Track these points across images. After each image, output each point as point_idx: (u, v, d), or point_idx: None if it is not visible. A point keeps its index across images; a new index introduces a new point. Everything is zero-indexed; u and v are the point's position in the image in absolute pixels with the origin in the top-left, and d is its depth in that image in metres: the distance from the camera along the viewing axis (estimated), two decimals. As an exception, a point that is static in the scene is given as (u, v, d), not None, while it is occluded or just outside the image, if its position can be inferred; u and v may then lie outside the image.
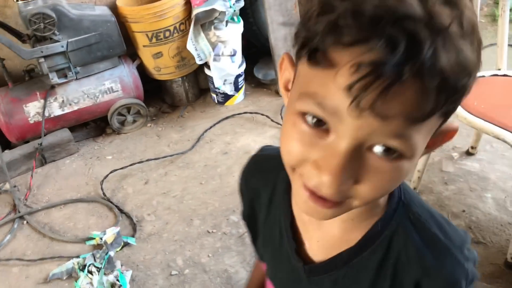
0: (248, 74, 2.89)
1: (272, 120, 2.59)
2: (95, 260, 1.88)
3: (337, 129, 0.45)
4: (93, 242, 1.98)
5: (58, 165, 2.50)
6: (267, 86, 2.90)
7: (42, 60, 2.29)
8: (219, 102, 2.77)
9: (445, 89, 0.43)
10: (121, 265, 1.87)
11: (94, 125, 2.69)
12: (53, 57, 2.32)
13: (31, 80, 2.48)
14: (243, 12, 2.64)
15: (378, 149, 0.46)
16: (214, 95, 2.77)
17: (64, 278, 1.85)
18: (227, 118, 2.66)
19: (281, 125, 2.52)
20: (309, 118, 0.47)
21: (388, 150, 0.46)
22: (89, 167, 2.46)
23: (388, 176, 0.48)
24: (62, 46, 2.31)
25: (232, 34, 2.54)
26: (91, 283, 1.80)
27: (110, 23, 2.40)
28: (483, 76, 1.91)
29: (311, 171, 0.48)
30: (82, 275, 1.83)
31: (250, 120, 2.65)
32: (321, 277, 0.65)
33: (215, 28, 2.49)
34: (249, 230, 0.80)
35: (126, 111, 2.61)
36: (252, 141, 2.48)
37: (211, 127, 2.60)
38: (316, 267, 0.65)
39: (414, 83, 0.41)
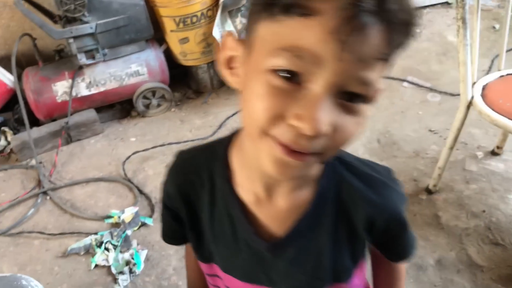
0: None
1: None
2: (112, 237, 1.93)
3: (314, 77, 0.48)
4: (111, 220, 2.03)
5: (82, 144, 2.56)
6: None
7: (71, 40, 2.34)
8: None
9: (405, 30, 0.50)
10: (137, 244, 1.91)
11: (120, 107, 2.74)
12: (82, 38, 2.37)
13: (60, 60, 2.55)
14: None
15: (350, 97, 0.50)
16: (239, 83, 2.78)
17: (82, 253, 1.90)
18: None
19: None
20: (282, 74, 0.49)
21: (353, 96, 0.50)
22: (112, 147, 2.51)
23: (356, 122, 0.52)
24: (91, 28, 2.35)
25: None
26: (107, 260, 1.84)
27: (139, 7, 2.43)
28: (510, 74, 1.86)
29: (287, 126, 0.49)
30: (98, 251, 1.87)
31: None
32: (286, 250, 0.67)
33: (242, 15, 2.49)
34: (192, 237, 0.75)
35: (151, 94, 2.64)
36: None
37: (233, 115, 2.61)
38: (279, 242, 0.67)
39: (386, 25, 0.47)
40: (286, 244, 0.67)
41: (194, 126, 2.61)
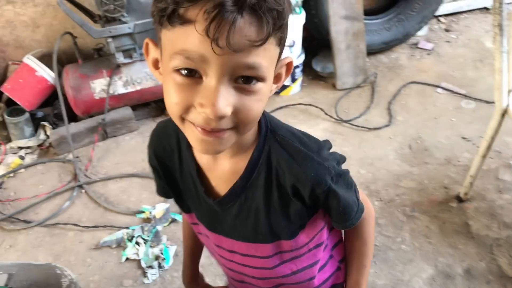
0: (306, 66, 2.90)
1: (325, 113, 2.59)
2: (143, 232, 1.98)
3: (207, 72, 0.58)
4: (143, 215, 2.08)
5: (118, 140, 2.63)
6: (324, 79, 2.90)
7: (110, 40, 2.41)
8: (275, 92, 2.79)
9: (271, 16, 0.57)
10: (167, 240, 1.96)
11: (155, 105, 2.79)
12: (120, 38, 2.44)
13: (99, 58, 2.62)
14: (305, 4, 2.65)
15: (240, 80, 0.60)
16: (271, 84, 2.80)
17: (114, 246, 1.96)
18: (281, 108, 2.69)
19: (335, 118, 2.53)
20: (183, 72, 0.60)
21: (248, 79, 0.60)
22: (146, 144, 2.57)
23: (255, 99, 0.62)
24: (129, 28, 2.41)
25: (292, 25, 2.55)
26: (137, 254, 1.90)
27: (176, 8, 2.48)
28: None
29: (197, 113, 0.61)
30: (129, 245, 1.93)
31: (304, 111, 2.66)
32: (230, 205, 0.80)
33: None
34: (172, 192, 0.90)
35: (185, 94, 2.69)
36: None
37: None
38: (223, 199, 0.80)
39: (250, 16, 0.56)
40: (228, 201, 0.80)
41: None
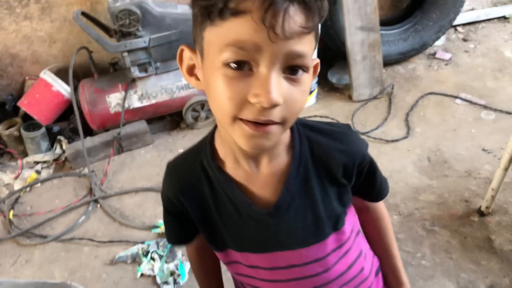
0: (322, 78, 2.88)
1: (342, 125, 2.56)
2: (158, 247, 1.96)
3: (259, 61, 0.59)
4: (158, 230, 2.07)
5: (133, 154, 2.63)
6: (340, 91, 2.87)
7: (125, 54, 2.42)
8: (290, 104, 2.78)
9: (317, 5, 0.60)
10: (182, 255, 1.94)
11: (170, 119, 2.80)
12: (136, 52, 2.45)
13: (114, 72, 2.64)
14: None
15: (292, 70, 0.61)
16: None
17: (129, 262, 1.95)
18: (297, 120, 2.67)
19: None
20: (232, 65, 0.60)
21: (294, 70, 0.62)
22: (161, 158, 2.57)
23: (301, 90, 0.63)
24: (145, 42, 2.42)
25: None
26: (152, 269, 1.88)
27: (190, 22, 2.48)
28: None
29: (251, 105, 0.60)
30: (145, 260, 1.91)
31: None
32: (285, 210, 0.76)
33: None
34: (204, 230, 0.84)
35: (200, 107, 2.69)
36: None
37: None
38: (276, 206, 0.76)
39: (300, 4, 0.58)
40: (283, 205, 0.76)
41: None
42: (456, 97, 2.70)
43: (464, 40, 3.23)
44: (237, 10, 0.57)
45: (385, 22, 2.95)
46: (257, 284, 0.86)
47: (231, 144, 0.73)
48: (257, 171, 0.76)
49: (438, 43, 3.13)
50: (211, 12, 0.59)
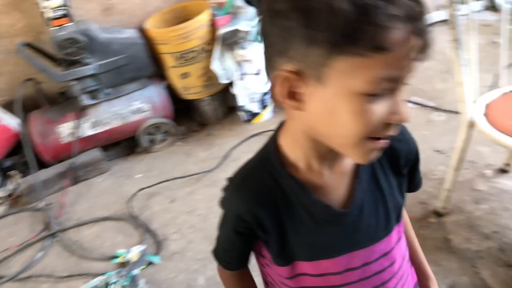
0: (276, 92, 2.90)
1: (299, 138, 2.58)
2: (119, 278, 1.91)
3: (398, 87, 0.61)
4: (118, 260, 2.02)
5: (90, 183, 2.57)
6: (295, 103, 2.90)
7: (74, 82, 2.38)
8: (246, 120, 2.79)
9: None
10: (145, 283, 1.89)
11: (125, 144, 2.75)
12: (85, 80, 2.41)
13: (65, 101, 2.59)
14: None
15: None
16: (241, 113, 2.79)
17: (90, 295, 1.89)
18: (254, 135, 2.67)
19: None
20: (370, 95, 0.60)
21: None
22: (119, 185, 2.52)
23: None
24: (93, 69, 2.39)
25: (257, 53, 2.55)
26: (114, 301, 1.83)
27: (138, 46, 2.47)
28: (511, 91, 1.84)
29: (388, 126, 0.63)
30: (106, 293, 1.86)
31: (277, 137, 2.64)
32: (361, 207, 0.77)
33: (240, 47, 2.51)
34: (276, 244, 0.79)
35: (155, 130, 2.66)
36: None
37: (237, 145, 2.62)
38: (354, 204, 0.77)
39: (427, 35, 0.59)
40: (358, 203, 0.77)
41: (199, 159, 2.61)
42: (408, 101, 2.76)
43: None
44: (384, 46, 0.56)
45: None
46: None
47: (307, 150, 0.73)
48: (330, 172, 0.76)
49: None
50: (357, 42, 0.56)
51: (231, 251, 0.87)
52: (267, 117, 2.80)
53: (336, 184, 0.76)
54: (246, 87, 2.58)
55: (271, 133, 0.79)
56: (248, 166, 0.79)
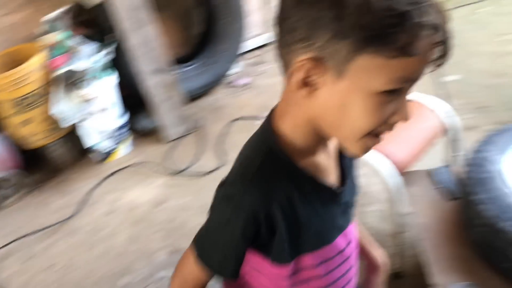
0: (132, 124, 2.84)
1: (159, 169, 2.55)
2: None
3: (409, 88, 0.66)
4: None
5: None
6: (152, 134, 2.85)
7: None
8: (101, 159, 2.68)
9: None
10: None
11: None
12: None
13: None
14: (117, 63, 2.59)
15: None
16: (92, 154, 2.67)
17: None
18: (112, 174, 2.58)
19: (169, 173, 2.49)
20: (387, 93, 0.64)
21: None
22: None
23: None
24: None
25: (102, 89, 2.48)
26: None
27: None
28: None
29: (386, 126, 0.68)
30: None
31: (137, 172, 2.58)
32: (348, 182, 0.85)
33: (81, 86, 2.41)
34: (290, 239, 0.77)
35: (3, 184, 2.45)
36: (140, 194, 2.41)
37: (95, 187, 2.51)
38: (346, 181, 0.84)
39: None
40: (347, 177, 0.85)
41: (56, 208, 2.45)
42: (256, 118, 2.84)
43: (258, 63, 3.47)
44: (413, 51, 0.60)
45: (181, 60, 3.02)
46: (319, 284, 0.87)
47: (307, 135, 0.74)
48: (324, 156, 0.80)
49: (235, 70, 3.31)
50: (387, 45, 0.59)
51: (231, 257, 0.79)
52: (124, 152, 2.72)
53: (329, 166, 0.81)
54: (94, 126, 2.48)
55: (262, 122, 0.80)
56: (254, 162, 0.75)
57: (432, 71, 0.66)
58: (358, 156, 0.73)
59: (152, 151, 2.73)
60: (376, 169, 1.58)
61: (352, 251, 0.90)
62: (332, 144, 0.82)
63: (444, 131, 1.80)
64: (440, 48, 0.63)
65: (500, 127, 1.60)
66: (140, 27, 2.46)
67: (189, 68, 3.01)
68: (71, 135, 2.64)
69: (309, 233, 0.79)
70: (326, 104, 0.67)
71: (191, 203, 2.28)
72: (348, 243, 0.88)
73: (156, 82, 2.59)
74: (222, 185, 0.78)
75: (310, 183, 0.77)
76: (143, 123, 2.86)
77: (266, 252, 0.80)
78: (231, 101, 3.10)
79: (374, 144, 0.70)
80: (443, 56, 0.64)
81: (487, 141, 1.55)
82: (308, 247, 0.81)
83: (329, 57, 0.62)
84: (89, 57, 2.37)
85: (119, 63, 2.63)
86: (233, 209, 0.74)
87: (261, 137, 0.78)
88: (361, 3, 0.58)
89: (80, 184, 2.57)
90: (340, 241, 0.85)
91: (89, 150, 2.65)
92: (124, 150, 2.72)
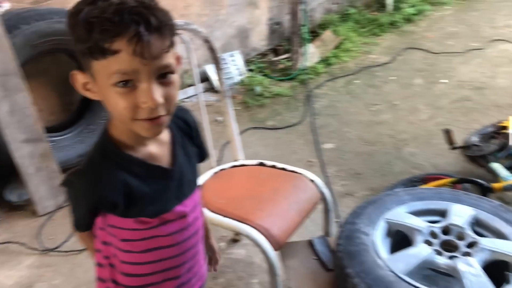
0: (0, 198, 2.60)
1: (29, 247, 2.31)
2: None
3: (139, 78, 0.84)
4: None
5: None
6: (23, 207, 2.61)
7: None
8: (-38, 238, 2.39)
9: (168, 29, 0.87)
10: None
11: None
12: None
13: None
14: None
15: (163, 76, 0.87)
16: (-46, 231, 2.38)
17: None
18: None
19: (40, 250, 2.28)
20: (120, 84, 0.85)
21: (165, 75, 0.88)
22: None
23: (173, 88, 0.90)
24: None
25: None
26: None
27: None
28: (223, 169, 2.00)
29: (142, 109, 0.86)
30: None
31: (3, 251, 2.32)
32: (180, 165, 1.05)
33: None
34: (129, 206, 0.98)
35: None
36: (4, 277, 2.16)
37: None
38: (176, 162, 1.04)
39: (156, 34, 0.84)
40: (180, 162, 1.05)
41: None
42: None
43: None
44: (112, 50, 0.81)
45: (58, 128, 2.87)
46: (166, 242, 1.07)
47: (125, 129, 0.94)
48: (154, 144, 1.00)
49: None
50: (92, 53, 0.83)
51: (80, 219, 1.06)
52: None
53: (161, 152, 1.01)
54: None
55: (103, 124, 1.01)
56: (88, 154, 0.97)
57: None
58: (147, 136, 0.93)
59: (22, 227, 2.49)
60: (256, 244, 1.59)
61: (194, 221, 1.11)
62: (165, 136, 1.03)
63: (322, 200, 1.87)
64: (131, 41, 0.81)
65: (370, 198, 1.70)
66: (11, 94, 2.31)
67: (68, 135, 2.85)
68: None
69: (145, 203, 1.00)
70: (103, 100, 0.91)
71: (62, 286, 2.09)
72: (189, 212, 1.08)
73: (28, 151, 2.41)
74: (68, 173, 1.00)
75: (141, 165, 0.98)
76: (12, 196, 2.62)
77: (119, 214, 1.01)
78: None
79: (150, 126, 0.89)
80: (136, 46, 0.82)
81: (357, 213, 1.63)
82: (147, 213, 1.02)
83: (85, 68, 0.89)
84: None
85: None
86: (74, 194, 1.01)
87: (99, 137, 0.99)
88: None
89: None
90: (179, 209, 1.06)
91: None
92: (-10, 227, 2.45)
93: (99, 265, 1.12)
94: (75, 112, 3.01)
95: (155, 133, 0.93)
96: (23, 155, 2.41)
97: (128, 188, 0.97)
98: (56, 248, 2.32)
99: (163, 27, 0.85)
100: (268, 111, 3.58)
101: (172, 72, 0.89)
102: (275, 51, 4.48)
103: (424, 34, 4.66)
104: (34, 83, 2.58)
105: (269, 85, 3.88)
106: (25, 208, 2.61)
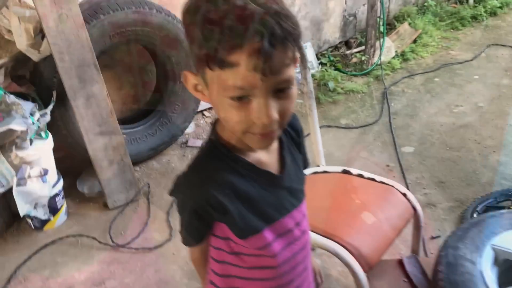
0: (72, 189, 2.60)
1: (100, 242, 2.29)
2: None
3: (256, 94, 0.77)
4: None
5: None
6: (94, 200, 2.61)
7: None
8: (36, 228, 2.40)
9: (293, 39, 0.76)
10: None
11: None
12: None
13: None
14: (53, 126, 2.37)
15: (280, 90, 0.79)
16: (29, 220, 2.40)
17: None
18: (46, 246, 2.30)
19: (111, 245, 2.26)
20: (235, 98, 0.77)
21: (284, 88, 0.79)
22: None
23: (290, 102, 0.81)
24: None
25: (39, 153, 2.24)
26: None
27: None
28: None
29: (256, 125, 0.79)
30: None
31: (75, 244, 2.32)
32: (289, 173, 0.96)
33: (17, 148, 2.17)
34: (239, 217, 0.90)
35: None
36: (76, 271, 2.15)
37: (25, 262, 2.21)
38: (285, 169, 0.96)
39: (280, 47, 0.74)
40: (289, 169, 0.97)
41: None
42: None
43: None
44: (230, 63, 0.73)
45: (130, 120, 2.84)
46: (274, 263, 0.97)
47: (239, 139, 0.88)
48: (267, 153, 0.94)
49: (189, 130, 3.15)
50: (209, 62, 0.75)
51: (191, 232, 0.97)
52: (61, 221, 2.45)
53: (269, 159, 0.94)
54: (29, 192, 2.21)
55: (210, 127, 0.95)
56: (197, 161, 0.92)
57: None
58: (257, 148, 0.88)
59: (92, 220, 2.48)
60: (345, 264, 1.45)
61: (302, 234, 1.01)
62: (274, 143, 0.96)
63: (413, 216, 1.71)
64: (252, 56, 0.72)
65: (472, 219, 1.53)
66: (87, 86, 2.28)
67: (139, 128, 2.82)
68: (4, 198, 2.35)
69: (257, 210, 0.92)
70: (213, 106, 0.85)
71: (132, 285, 2.05)
72: (296, 224, 0.99)
73: (103, 144, 2.38)
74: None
75: (251, 169, 0.91)
76: (84, 187, 2.62)
77: (230, 227, 0.93)
78: (183, 163, 2.91)
79: (261, 140, 0.82)
80: (258, 61, 0.73)
81: (459, 236, 1.46)
82: (262, 222, 0.93)
83: (199, 72, 0.82)
84: (28, 116, 2.14)
85: (57, 123, 2.41)
86: (181, 199, 0.94)
87: (207, 140, 0.94)
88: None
89: (7, 257, 2.25)
90: (287, 221, 0.97)
91: (21, 218, 2.37)
92: (60, 219, 2.45)
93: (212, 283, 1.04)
94: (146, 104, 2.97)
95: (266, 146, 0.88)
96: (97, 147, 2.39)
97: (236, 190, 0.90)
98: (127, 244, 2.29)
99: (289, 37, 0.74)
100: (342, 109, 3.41)
101: (291, 85, 0.80)
102: (347, 44, 4.29)
103: (511, 29, 4.31)
104: (107, 74, 2.55)
105: (342, 80, 3.70)
106: (96, 200, 2.61)
